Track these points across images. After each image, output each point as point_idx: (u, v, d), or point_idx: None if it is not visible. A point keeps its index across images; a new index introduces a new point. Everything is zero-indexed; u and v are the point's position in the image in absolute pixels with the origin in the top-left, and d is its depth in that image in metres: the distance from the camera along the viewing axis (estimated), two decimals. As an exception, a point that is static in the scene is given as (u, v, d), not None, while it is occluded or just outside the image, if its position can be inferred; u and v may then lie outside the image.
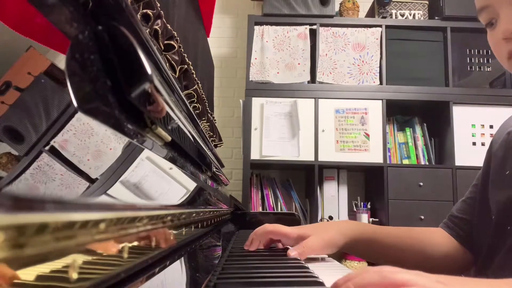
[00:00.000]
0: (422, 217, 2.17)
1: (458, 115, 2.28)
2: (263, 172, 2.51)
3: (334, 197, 2.37)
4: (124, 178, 0.31)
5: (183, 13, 0.97)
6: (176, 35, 0.80)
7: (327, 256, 0.82)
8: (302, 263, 0.64)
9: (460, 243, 0.79)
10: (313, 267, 0.60)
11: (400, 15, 2.46)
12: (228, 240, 0.98)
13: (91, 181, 0.27)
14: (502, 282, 0.36)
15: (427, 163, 2.33)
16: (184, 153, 0.58)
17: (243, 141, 2.30)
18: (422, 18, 2.45)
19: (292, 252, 0.68)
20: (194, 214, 0.55)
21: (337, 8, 2.49)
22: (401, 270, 0.34)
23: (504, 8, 0.59)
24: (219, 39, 2.77)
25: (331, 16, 2.40)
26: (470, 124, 2.27)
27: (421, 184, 2.21)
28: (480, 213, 0.76)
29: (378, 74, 2.35)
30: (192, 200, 0.56)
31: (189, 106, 0.65)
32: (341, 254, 2.22)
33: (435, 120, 2.41)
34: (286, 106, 2.32)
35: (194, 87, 1.01)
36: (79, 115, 0.26)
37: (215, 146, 1.49)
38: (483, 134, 2.25)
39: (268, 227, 0.78)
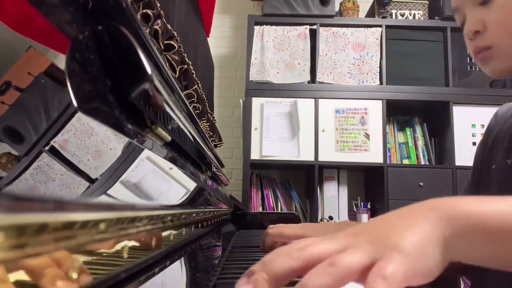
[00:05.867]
0: (422, 217, 2.17)
1: (458, 115, 2.28)
2: (263, 172, 2.51)
3: (334, 197, 2.37)
4: (124, 178, 0.31)
5: (183, 13, 0.97)
6: (176, 35, 0.80)
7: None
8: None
9: None
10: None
11: (400, 15, 2.46)
12: (228, 240, 0.98)
13: (91, 181, 0.26)
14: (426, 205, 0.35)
15: (427, 163, 2.33)
16: (184, 153, 0.58)
17: (243, 141, 2.30)
18: (422, 18, 2.45)
19: None
20: (194, 214, 0.55)
21: (337, 8, 2.49)
22: (310, 242, 0.32)
23: (469, 9, 0.65)
24: (219, 39, 2.77)
25: (331, 16, 2.40)
26: (470, 124, 2.27)
27: (421, 184, 2.21)
28: None
29: (378, 74, 2.34)
30: (192, 200, 0.56)
31: (189, 106, 0.65)
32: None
33: (435, 120, 2.41)
34: (286, 106, 2.32)
35: (194, 87, 1.01)
36: (79, 115, 0.26)
37: (215, 146, 1.49)
38: (483, 134, 2.25)
39: (271, 231, 0.77)
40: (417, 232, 0.31)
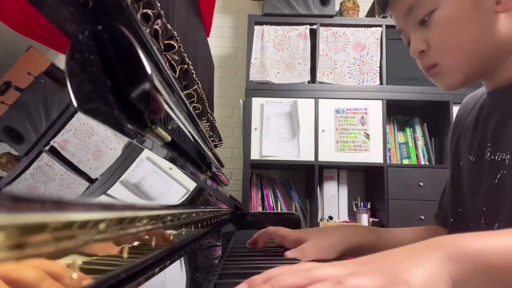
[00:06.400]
0: (422, 217, 2.17)
1: (458, 115, 2.28)
2: (263, 172, 2.51)
3: (334, 197, 2.37)
4: (124, 178, 0.31)
5: (183, 13, 0.97)
6: (176, 35, 0.80)
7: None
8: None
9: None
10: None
11: (400, 15, 2.45)
12: (228, 240, 0.98)
13: (91, 181, 0.26)
14: (423, 244, 0.36)
15: (427, 163, 2.33)
16: (184, 153, 0.58)
17: (243, 141, 2.30)
18: (422, 18, 2.45)
19: (289, 255, 0.68)
20: (194, 214, 0.55)
21: (337, 8, 2.49)
22: (318, 265, 0.33)
23: (411, 30, 0.67)
24: (219, 39, 2.77)
25: (331, 16, 2.40)
26: (470, 124, 2.27)
27: (421, 184, 2.21)
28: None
29: (378, 74, 2.34)
30: (192, 200, 0.56)
31: (189, 106, 0.65)
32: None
33: (435, 120, 2.41)
34: (286, 106, 2.32)
35: (194, 87, 1.00)
36: (79, 115, 0.26)
37: (215, 146, 1.49)
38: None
39: (270, 229, 0.78)
40: (426, 271, 0.31)
